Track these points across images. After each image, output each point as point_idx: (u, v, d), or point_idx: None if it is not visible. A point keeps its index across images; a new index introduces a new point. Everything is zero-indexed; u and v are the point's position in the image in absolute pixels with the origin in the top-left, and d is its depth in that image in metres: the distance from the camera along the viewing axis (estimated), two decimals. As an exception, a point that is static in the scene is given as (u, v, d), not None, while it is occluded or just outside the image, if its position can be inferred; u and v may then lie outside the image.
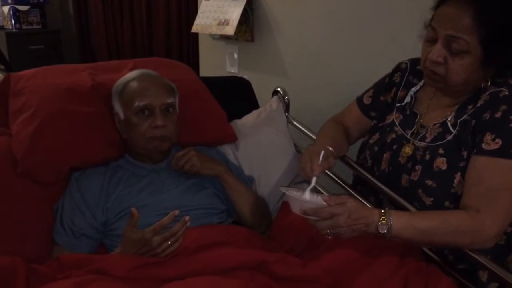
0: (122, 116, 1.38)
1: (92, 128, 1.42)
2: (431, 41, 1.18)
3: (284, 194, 1.19)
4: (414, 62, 1.38)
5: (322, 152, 1.21)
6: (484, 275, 1.21)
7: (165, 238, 1.12)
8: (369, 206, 1.33)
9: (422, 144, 1.25)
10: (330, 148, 1.28)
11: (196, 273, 1.07)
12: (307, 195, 1.15)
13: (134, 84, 1.37)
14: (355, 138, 1.52)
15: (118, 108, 1.39)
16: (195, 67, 2.80)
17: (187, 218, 1.12)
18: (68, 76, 1.51)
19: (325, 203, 1.09)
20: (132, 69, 1.54)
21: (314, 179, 1.19)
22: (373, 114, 1.46)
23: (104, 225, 1.32)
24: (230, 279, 1.03)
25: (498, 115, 1.13)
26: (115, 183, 1.36)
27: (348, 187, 1.50)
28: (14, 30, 4.10)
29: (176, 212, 1.12)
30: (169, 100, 1.38)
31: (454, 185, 1.17)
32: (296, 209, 1.11)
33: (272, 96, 1.84)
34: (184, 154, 1.40)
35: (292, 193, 1.18)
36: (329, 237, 1.11)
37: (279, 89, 1.82)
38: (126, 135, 1.40)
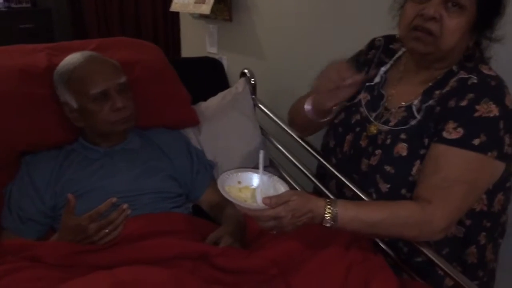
0: (75, 105, 1.32)
1: (45, 110, 1.39)
2: (419, 1, 1.10)
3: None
4: (388, 39, 1.33)
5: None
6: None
7: (102, 226, 1.09)
8: (330, 195, 1.32)
9: (385, 128, 1.20)
10: None
11: (135, 261, 1.05)
12: (258, 196, 1.05)
13: (82, 70, 1.31)
14: None
15: (67, 97, 1.32)
16: (179, 47, 2.76)
17: (125, 206, 1.09)
18: (23, 57, 1.47)
19: (264, 206, 1.01)
20: (95, 49, 1.49)
21: (259, 191, 1.06)
22: None
23: (53, 209, 1.30)
24: (162, 269, 1.00)
25: (463, 103, 1.09)
26: (66, 167, 1.33)
27: (311, 175, 1.47)
28: (3, 9, 4.06)
29: (114, 199, 1.09)
30: (122, 80, 1.34)
31: (412, 172, 1.13)
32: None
33: (240, 78, 1.79)
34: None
35: (230, 191, 1.06)
36: (274, 233, 1.07)
37: (246, 70, 1.77)
38: (83, 123, 1.35)
